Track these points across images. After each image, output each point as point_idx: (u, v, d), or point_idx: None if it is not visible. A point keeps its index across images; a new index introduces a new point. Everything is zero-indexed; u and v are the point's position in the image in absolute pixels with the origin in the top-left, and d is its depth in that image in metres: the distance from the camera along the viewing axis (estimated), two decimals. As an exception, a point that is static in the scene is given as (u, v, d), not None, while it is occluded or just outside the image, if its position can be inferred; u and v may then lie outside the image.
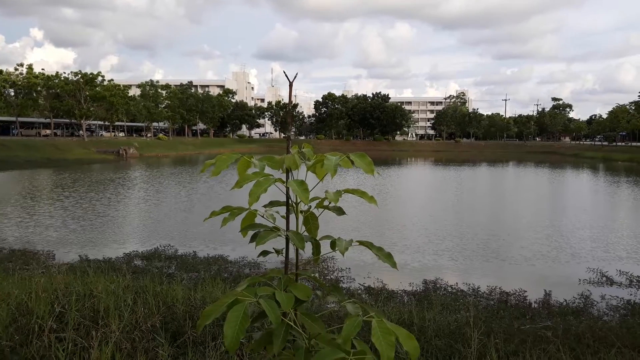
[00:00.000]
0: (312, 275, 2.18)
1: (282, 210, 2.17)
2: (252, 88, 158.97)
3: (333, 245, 2.05)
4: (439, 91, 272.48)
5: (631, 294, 10.12)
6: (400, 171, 50.10)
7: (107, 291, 6.47)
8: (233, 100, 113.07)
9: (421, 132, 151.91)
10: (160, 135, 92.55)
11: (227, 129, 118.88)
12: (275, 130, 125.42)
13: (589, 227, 17.71)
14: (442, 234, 16.24)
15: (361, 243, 1.99)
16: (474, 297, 9.87)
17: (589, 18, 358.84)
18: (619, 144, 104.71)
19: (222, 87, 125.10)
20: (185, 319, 5.79)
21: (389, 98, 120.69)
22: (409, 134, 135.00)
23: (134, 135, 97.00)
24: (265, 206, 2.15)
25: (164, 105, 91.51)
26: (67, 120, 76.52)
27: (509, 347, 5.76)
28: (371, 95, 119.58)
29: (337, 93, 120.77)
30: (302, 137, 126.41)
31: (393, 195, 27.70)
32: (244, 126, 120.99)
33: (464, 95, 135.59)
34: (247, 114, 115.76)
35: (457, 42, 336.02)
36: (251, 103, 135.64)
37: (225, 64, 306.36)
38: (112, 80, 77.44)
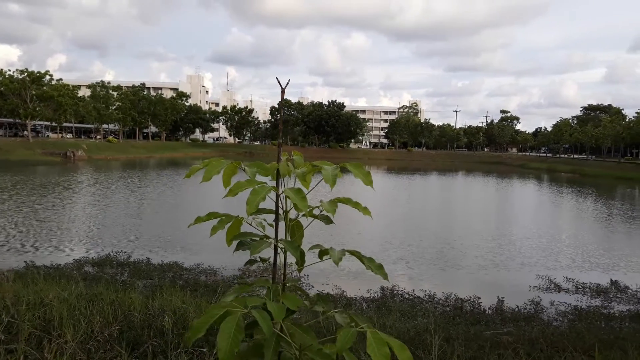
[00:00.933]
0: (298, 284, 2.13)
1: (269, 218, 2.13)
2: (207, 92, 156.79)
3: (322, 254, 2.03)
4: (393, 101, 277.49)
5: (577, 300, 10.55)
6: (355, 179, 50.48)
7: (60, 299, 6.19)
8: (187, 104, 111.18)
9: (375, 140, 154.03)
10: (110, 137, 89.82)
11: (180, 133, 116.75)
12: (230, 135, 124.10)
13: (537, 236, 18.38)
14: (396, 241, 16.46)
15: (351, 253, 1.97)
16: (430, 304, 10.03)
17: (535, 35, 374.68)
18: (562, 156, 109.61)
19: (175, 90, 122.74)
20: (144, 327, 5.60)
21: (345, 106, 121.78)
22: (363, 142, 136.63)
23: (83, 137, 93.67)
24: (256, 212, 2.10)
25: (114, 107, 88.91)
26: (11, 120, 73.09)
27: (468, 353, 5.88)
28: (327, 103, 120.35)
29: (293, 100, 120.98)
30: (257, 143, 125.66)
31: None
32: (197, 130, 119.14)
33: (416, 105, 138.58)
34: (201, 118, 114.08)
35: (411, 54, 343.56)
36: (205, 107, 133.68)
37: (180, 67, 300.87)
38: (60, 79, 74.57)
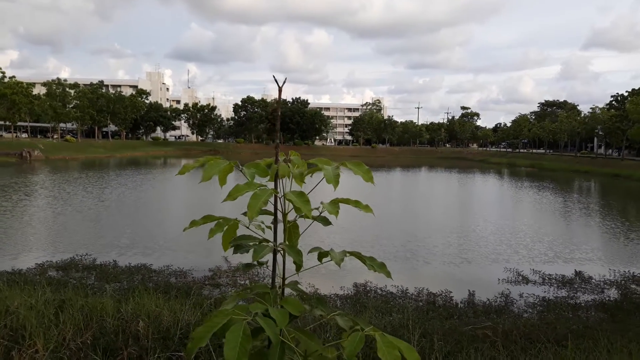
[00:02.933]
0: (298, 287, 2.07)
1: (266, 220, 2.06)
2: (167, 89, 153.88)
3: (321, 257, 1.98)
4: (356, 98, 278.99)
5: (545, 291, 10.83)
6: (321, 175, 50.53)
7: (26, 306, 5.93)
8: (147, 101, 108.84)
9: (339, 137, 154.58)
10: (68, 136, 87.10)
11: (141, 131, 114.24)
12: (192, 133, 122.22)
13: (503, 230, 18.79)
14: (367, 237, 16.55)
15: (352, 254, 1.93)
16: (403, 299, 10.11)
17: (493, 33, 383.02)
18: (522, 150, 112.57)
19: (135, 87, 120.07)
20: (118, 333, 5.43)
21: (309, 103, 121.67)
22: (328, 139, 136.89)
23: (39, 136, 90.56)
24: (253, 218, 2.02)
25: (72, 105, 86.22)
26: (-39, 119, 70.08)
27: (446, 348, 5.93)
28: (291, 100, 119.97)
29: (256, 96, 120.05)
30: (221, 141, 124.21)
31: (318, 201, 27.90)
32: (158, 128, 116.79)
33: (379, 102, 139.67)
34: (162, 116, 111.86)
35: (373, 51, 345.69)
36: (166, 104, 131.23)
37: (138, 63, 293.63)
38: (14, 77, 71.84)
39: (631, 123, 61.63)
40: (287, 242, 1.90)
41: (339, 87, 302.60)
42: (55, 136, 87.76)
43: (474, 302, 9.91)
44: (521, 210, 26.39)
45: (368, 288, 10.62)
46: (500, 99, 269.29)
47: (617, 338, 6.61)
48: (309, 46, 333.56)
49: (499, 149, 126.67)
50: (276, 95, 1.76)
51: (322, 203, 1.86)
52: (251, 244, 1.88)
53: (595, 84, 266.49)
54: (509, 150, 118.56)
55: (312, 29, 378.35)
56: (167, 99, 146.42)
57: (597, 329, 7.56)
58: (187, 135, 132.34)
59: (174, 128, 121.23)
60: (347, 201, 1.91)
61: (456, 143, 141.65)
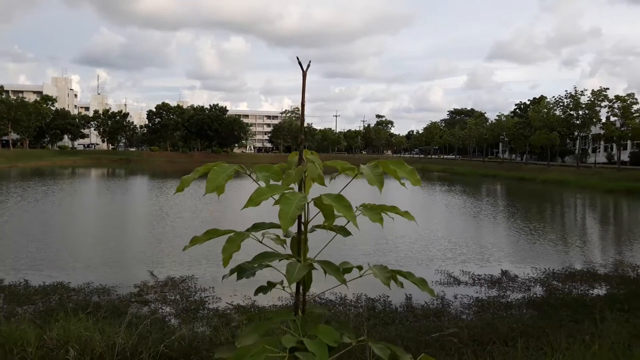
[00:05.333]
0: (323, 311, 1.78)
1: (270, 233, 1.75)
2: (75, 95, 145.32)
3: (344, 272, 1.70)
4: (274, 106, 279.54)
5: (477, 292, 11.10)
6: (242, 182, 49.69)
7: None
8: (53, 108, 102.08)
9: (259, 145, 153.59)
10: (-39, 145, 79.70)
11: (46, 140, 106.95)
12: (103, 141, 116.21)
13: (426, 233, 19.26)
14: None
15: (393, 272, 1.67)
16: (343, 306, 9.96)
17: (405, 44, 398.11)
18: (433, 156, 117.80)
19: (39, 93, 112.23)
20: (44, 365, 4.79)
21: (227, 110, 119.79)
22: (247, 146, 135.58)
23: None
24: (252, 229, 1.70)
25: (-35, 111, 79.05)
26: None
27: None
28: (209, 107, 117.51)
29: (172, 103, 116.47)
30: (133, 149, 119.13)
31: (237, 208, 27.29)
32: (66, 136, 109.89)
33: (298, 110, 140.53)
34: (69, 123, 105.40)
35: (290, 59, 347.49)
36: (74, 111, 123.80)
37: (42, 68, 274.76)
38: None
39: (533, 130, 66.23)
40: (325, 260, 1.60)
41: (257, 94, 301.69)
42: (-55, 145, 79.96)
43: (412, 305, 9.94)
44: (439, 214, 27.32)
45: (307, 296, 10.34)
46: (412, 107, 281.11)
47: (556, 334, 6.82)
48: (226, 53, 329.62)
49: (412, 155, 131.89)
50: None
51: (361, 206, 1.59)
52: (275, 261, 1.56)
53: (498, 93, 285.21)
54: (422, 156, 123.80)
55: (229, 35, 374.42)
56: (75, 106, 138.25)
57: (534, 326, 7.80)
58: (97, 144, 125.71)
59: (83, 136, 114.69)
60: (385, 208, 1.65)
61: (372, 150, 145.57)
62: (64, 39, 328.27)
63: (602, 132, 58.35)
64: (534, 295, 10.65)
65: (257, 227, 1.71)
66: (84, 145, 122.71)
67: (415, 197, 37.89)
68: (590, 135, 66.54)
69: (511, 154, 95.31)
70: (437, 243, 17.04)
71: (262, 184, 1.49)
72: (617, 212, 31.46)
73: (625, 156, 60.91)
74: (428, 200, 34.98)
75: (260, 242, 1.64)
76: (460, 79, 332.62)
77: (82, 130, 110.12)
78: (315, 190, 1.76)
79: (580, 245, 17.89)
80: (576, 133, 63.96)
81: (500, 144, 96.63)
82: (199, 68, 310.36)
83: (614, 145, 61.47)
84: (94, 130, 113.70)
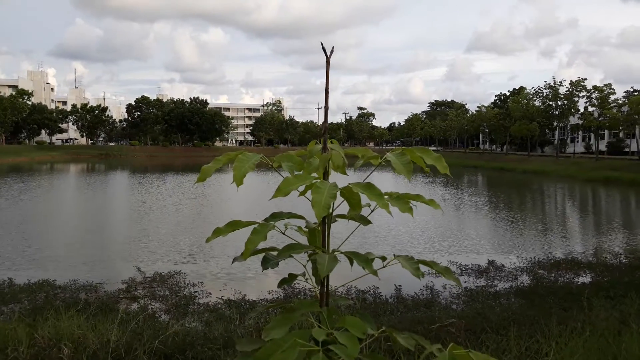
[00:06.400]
0: (348, 302, 1.75)
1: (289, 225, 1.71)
2: (52, 89, 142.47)
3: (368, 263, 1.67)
4: (255, 98, 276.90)
5: (465, 282, 11.19)
6: (222, 176, 49.36)
7: None
8: (29, 103, 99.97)
9: (240, 138, 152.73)
10: None
11: (23, 135, 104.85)
12: (82, 136, 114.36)
13: (413, 225, 19.35)
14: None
15: (420, 262, 1.65)
16: (333, 299, 9.96)
17: (385, 35, 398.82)
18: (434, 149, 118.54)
19: (15, 87, 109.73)
20: (37, 364, 4.69)
21: (208, 103, 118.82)
22: (229, 139, 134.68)
23: None
24: (270, 218, 1.66)
25: (-63, 107, 77.02)
26: None
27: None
28: (189, 100, 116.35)
29: (151, 96, 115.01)
30: (113, 144, 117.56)
31: (220, 201, 27.17)
32: (43, 131, 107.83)
33: (280, 103, 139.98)
34: (47, 118, 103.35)
35: (270, 51, 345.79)
36: (52, 106, 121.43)
37: (16, 61, 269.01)
38: None
39: (513, 120, 66.99)
40: (353, 251, 1.57)
41: (237, 87, 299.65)
42: None
43: (402, 296, 9.99)
44: (423, 206, 27.44)
45: (297, 290, 10.33)
46: (393, 99, 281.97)
47: (547, 322, 6.90)
48: (205, 45, 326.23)
49: (394, 147, 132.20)
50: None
51: (389, 194, 1.56)
52: (305, 253, 1.52)
53: (477, 84, 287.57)
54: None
55: (207, 27, 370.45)
56: (53, 100, 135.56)
57: (524, 314, 7.89)
58: (76, 139, 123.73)
59: (61, 131, 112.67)
60: (410, 196, 1.62)
61: (354, 142, 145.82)
62: (38, 31, 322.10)
63: (580, 122, 59.29)
64: (522, 284, 10.78)
65: (275, 216, 1.67)
66: (62, 140, 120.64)
67: (399, 189, 38.04)
68: (569, 126, 67.54)
69: (492, 145, 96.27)
70: (424, 234, 17.15)
71: (286, 175, 1.45)
72: (596, 201, 32.04)
73: (602, 146, 61.99)
74: (412, 192, 35.12)
75: (283, 233, 1.60)
76: (440, 70, 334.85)
77: (60, 125, 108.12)
78: (334, 179, 1.72)
79: (563, 234, 18.17)
80: (555, 123, 64.87)
81: (481, 135, 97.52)
82: (177, 60, 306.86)
83: (592, 135, 62.49)
84: (72, 124, 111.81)
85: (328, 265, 1.43)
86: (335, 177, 1.66)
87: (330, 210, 1.56)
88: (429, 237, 16.81)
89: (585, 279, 11.33)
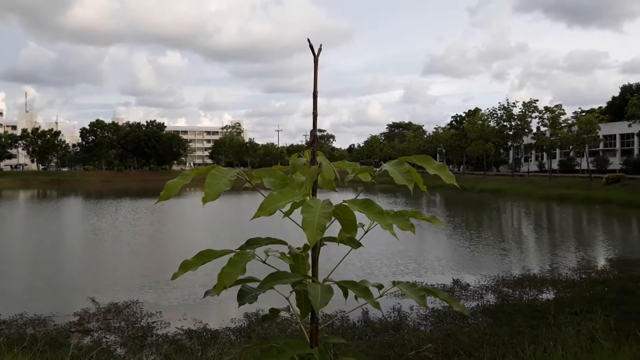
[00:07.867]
0: (341, 341, 1.51)
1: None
2: (1, 113, 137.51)
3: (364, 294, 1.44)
4: (214, 121, 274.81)
5: (431, 302, 10.97)
6: (180, 201, 48.32)
7: None
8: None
9: (199, 161, 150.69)
10: None
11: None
12: (32, 162, 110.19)
13: (374, 245, 19.23)
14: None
15: (427, 290, 1.43)
16: (297, 324, 9.63)
17: (344, 59, 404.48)
18: (375, 169, 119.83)
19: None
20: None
21: (165, 127, 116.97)
22: (187, 163, 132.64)
23: None
24: (246, 246, 1.42)
25: None
26: None
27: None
28: (145, 124, 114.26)
29: (106, 120, 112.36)
30: (66, 169, 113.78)
31: (179, 225, 26.42)
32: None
33: (239, 125, 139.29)
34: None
35: (229, 74, 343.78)
36: (0, 131, 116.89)
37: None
38: None
39: (469, 141, 68.67)
40: (351, 280, 1.33)
41: (196, 110, 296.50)
42: None
43: (370, 319, 9.75)
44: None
45: (260, 316, 9.95)
46: (352, 121, 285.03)
47: (517, 342, 6.80)
48: (162, 68, 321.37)
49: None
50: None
51: (391, 212, 1.34)
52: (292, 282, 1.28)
53: (433, 106, 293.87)
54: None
55: (165, 50, 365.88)
56: (1, 125, 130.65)
57: (493, 334, 7.78)
58: (26, 164, 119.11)
59: (10, 156, 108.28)
60: (408, 213, 1.41)
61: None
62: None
63: (533, 141, 61.29)
64: (488, 303, 10.74)
65: (252, 243, 1.42)
66: (11, 166, 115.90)
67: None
68: (522, 145, 69.73)
69: (449, 165, 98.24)
70: (386, 256, 17.01)
71: (266, 193, 1.22)
72: (552, 218, 32.89)
73: (555, 164, 64.21)
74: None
75: (264, 262, 1.36)
76: (397, 93, 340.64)
77: (8, 150, 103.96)
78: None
79: (524, 252, 18.44)
80: (510, 143, 66.87)
81: (438, 156, 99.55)
82: (134, 84, 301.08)
83: (545, 154, 64.68)
84: (22, 149, 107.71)
85: (322, 298, 1.20)
86: (320, 195, 1.44)
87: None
88: (393, 259, 16.68)
89: (548, 295, 11.41)
